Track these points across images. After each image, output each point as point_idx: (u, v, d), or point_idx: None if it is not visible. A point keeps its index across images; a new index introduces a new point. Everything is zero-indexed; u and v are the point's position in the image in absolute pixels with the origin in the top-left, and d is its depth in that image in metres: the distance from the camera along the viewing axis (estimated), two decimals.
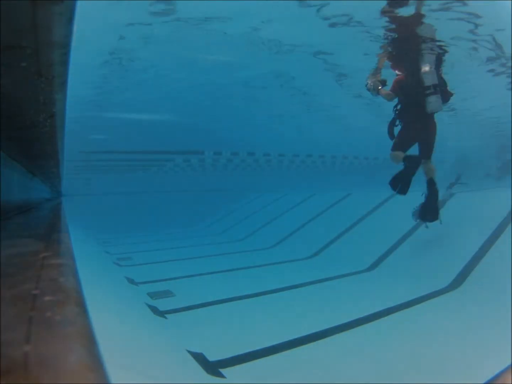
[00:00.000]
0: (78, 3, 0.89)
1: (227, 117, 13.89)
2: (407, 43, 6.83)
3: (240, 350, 4.36)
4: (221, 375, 3.79)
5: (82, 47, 6.48)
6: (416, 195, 8.05)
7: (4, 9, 0.74)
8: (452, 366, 3.78)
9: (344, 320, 5.24)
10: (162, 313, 5.72)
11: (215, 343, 4.56)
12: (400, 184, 5.99)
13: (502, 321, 4.61)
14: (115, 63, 8.32)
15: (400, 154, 6.19)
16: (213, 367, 3.93)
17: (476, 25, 6.36)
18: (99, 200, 20.21)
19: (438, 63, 6.64)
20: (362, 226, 10.76)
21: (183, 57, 8.62)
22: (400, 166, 6.30)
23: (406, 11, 6.07)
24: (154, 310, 5.79)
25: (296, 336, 4.72)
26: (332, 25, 6.68)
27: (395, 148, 6.38)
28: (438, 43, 6.74)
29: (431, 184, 5.80)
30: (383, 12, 6.05)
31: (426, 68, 5.67)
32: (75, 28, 0.96)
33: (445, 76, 6.17)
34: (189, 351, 4.19)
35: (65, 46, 0.98)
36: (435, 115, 6.09)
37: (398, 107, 6.23)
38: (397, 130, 6.49)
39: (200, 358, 4.10)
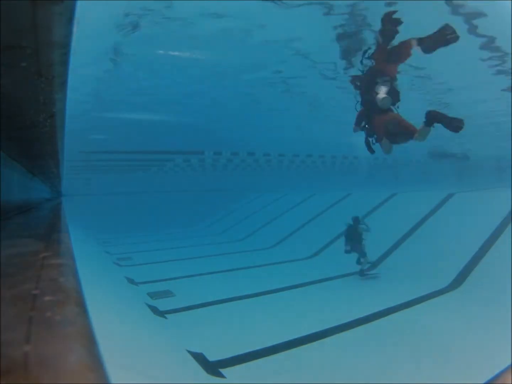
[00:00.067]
0: (78, 3, 0.89)
1: (227, 117, 13.90)
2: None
3: (240, 350, 4.37)
4: (221, 375, 3.79)
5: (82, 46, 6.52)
6: None
7: (4, 9, 0.74)
8: (452, 366, 3.78)
9: (344, 320, 5.25)
10: (162, 313, 5.72)
11: (215, 343, 4.56)
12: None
13: (502, 321, 4.62)
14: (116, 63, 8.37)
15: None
16: (213, 367, 3.94)
17: None
18: (99, 200, 20.23)
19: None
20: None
21: (183, 57, 8.64)
22: None
23: None
24: (154, 310, 5.80)
25: (296, 336, 4.73)
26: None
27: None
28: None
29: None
30: None
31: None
32: (76, 28, 0.96)
33: None
34: (189, 351, 4.19)
35: (65, 46, 0.98)
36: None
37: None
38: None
39: (200, 358, 4.10)
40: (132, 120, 13.68)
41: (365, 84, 6.44)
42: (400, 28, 6.69)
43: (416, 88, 10.58)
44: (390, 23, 6.62)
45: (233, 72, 9.59)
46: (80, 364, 0.47)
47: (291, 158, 22.35)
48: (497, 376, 3.31)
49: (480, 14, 6.55)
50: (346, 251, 8.02)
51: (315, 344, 4.55)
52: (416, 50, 6.93)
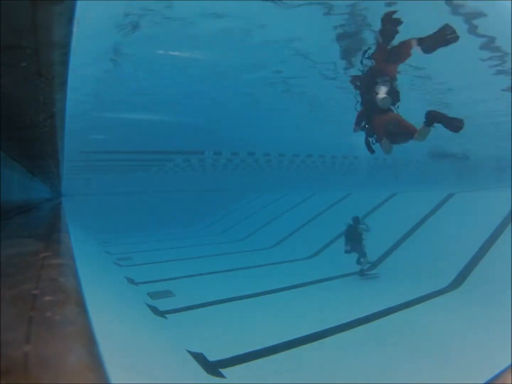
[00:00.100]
0: (78, 3, 0.89)
1: (227, 117, 13.90)
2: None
3: (240, 350, 4.37)
4: (221, 375, 3.79)
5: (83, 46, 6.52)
6: None
7: (4, 9, 0.74)
8: (452, 366, 3.78)
9: (344, 320, 5.25)
10: (162, 313, 5.72)
11: (215, 343, 4.56)
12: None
13: (502, 321, 4.62)
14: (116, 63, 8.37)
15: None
16: (213, 367, 3.94)
17: None
18: (99, 200, 20.23)
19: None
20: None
21: (183, 57, 8.64)
22: None
23: None
24: (154, 310, 5.80)
25: (296, 336, 4.73)
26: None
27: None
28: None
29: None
30: None
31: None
32: (75, 28, 0.96)
33: None
34: (189, 351, 4.19)
35: (65, 46, 0.98)
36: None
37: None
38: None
39: (200, 358, 4.10)
40: (132, 120, 13.67)
41: (365, 84, 6.45)
42: (400, 28, 6.69)
43: (416, 88, 10.59)
44: (390, 23, 6.62)
45: (233, 72, 9.59)
46: (80, 364, 0.47)
47: (291, 158, 22.35)
48: (497, 376, 3.31)
49: (480, 14, 6.55)
50: (346, 251, 8.02)
51: (315, 344, 4.55)
52: (416, 50, 6.93)
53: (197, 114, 13.32)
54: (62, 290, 0.76)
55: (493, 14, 6.54)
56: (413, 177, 23.49)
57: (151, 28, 6.97)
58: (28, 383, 0.43)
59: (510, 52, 7.99)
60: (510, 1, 6.16)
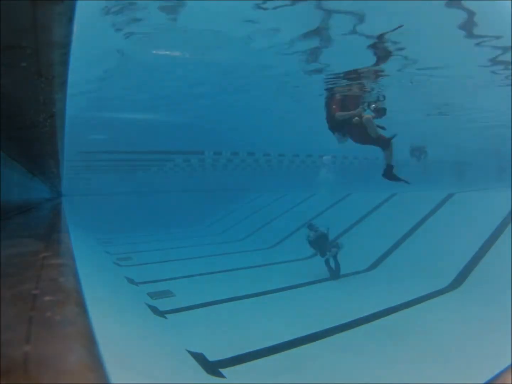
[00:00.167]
0: (78, 3, 0.89)
1: (227, 117, 13.89)
2: None
3: (240, 350, 4.37)
4: (221, 375, 3.79)
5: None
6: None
7: (4, 9, 0.74)
8: (452, 366, 3.78)
9: (344, 320, 5.25)
10: (162, 313, 5.73)
11: (215, 343, 4.56)
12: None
13: (502, 321, 4.62)
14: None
15: None
16: (213, 367, 3.94)
17: None
18: (99, 200, 20.23)
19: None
20: (362, 226, 10.77)
21: (183, 57, 8.64)
22: None
23: None
24: (154, 310, 5.80)
25: (296, 336, 4.73)
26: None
27: None
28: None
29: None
30: None
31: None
32: (76, 28, 0.96)
33: None
34: (189, 351, 4.19)
35: (65, 46, 0.98)
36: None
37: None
38: None
39: (200, 358, 4.10)
40: (132, 120, 13.67)
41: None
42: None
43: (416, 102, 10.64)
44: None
45: (234, 72, 9.59)
46: (80, 364, 0.47)
47: (291, 158, 22.34)
48: (497, 376, 3.31)
49: (480, 14, 6.54)
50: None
51: (315, 344, 4.55)
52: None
53: (197, 114, 13.32)
54: (62, 290, 0.76)
55: (493, 14, 6.53)
56: (413, 177, 23.45)
57: (152, 28, 6.97)
58: (28, 383, 0.43)
59: (510, 51, 7.98)
60: (510, 1, 6.16)
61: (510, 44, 6.91)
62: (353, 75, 7.95)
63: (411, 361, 3.92)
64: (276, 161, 22.57)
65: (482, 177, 18.81)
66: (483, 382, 3.28)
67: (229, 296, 6.64)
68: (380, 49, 6.74)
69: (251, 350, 4.37)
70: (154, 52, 8.26)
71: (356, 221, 11.09)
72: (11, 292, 0.74)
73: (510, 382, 3.22)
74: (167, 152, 18.58)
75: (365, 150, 8.29)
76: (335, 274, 7.82)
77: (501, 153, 19.13)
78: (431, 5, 5.33)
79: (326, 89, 8.97)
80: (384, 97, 8.42)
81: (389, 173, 6.92)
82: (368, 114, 6.90)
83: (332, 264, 7.93)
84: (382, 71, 7.81)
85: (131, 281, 7.65)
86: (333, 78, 8.22)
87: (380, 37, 6.25)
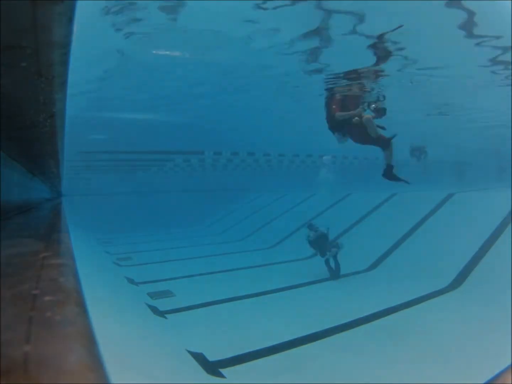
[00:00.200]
0: (78, 3, 0.89)
1: (227, 117, 13.89)
2: None
3: (240, 350, 4.37)
4: (221, 375, 3.79)
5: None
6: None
7: (4, 9, 0.74)
8: (452, 366, 3.78)
9: (344, 320, 5.25)
10: (162, 313, 5.73)
11: (215, 343, 4.56)
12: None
13: (502, 321, 4.62)
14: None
15: None
16: (213, 367, 3.94)
17: None
18: (99, 200, 20.23)
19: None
20: (362, 226, 10.77)
21: (183, 57, 8.63)
22: None
23: None
24: (154, 310, 5.80)
25: (296, 336, 4.73)
26: None
27: None
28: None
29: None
30: None
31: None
32: (76, 28, 0.96)
33: None
34: (189, 351, 4.19)
35: (65, 46, 0.98)
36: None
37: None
38: None
39: (200, 358, 4.10)
40: (132, 120, 13.66)
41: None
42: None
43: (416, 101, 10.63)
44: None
45: (234, 72, 9.59)
46: (80, 364, 0.47)
47: (291, 158, 22.34)
48: (497, 376, 3.31)
49: (480, 14, 6.54)
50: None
51: (315, 344, 4.55)
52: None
53: (197, 114, 13.32)
54: (62, 290, 0.76)
55: (493, 14, 6.53)
56: (413, 177, 23.46)
57: (152, 28, 6.96)
58: (28, 383, 0.43)
59: (510, 52, 7.99)
60: (510, 1, 6.16)
61: (510, 44, 6.91)
62: (353, 75, 7.94)
63: (411, 361, 3.92)
64: (276, 161, 22.57)
65: (482, 177, 18.80)
66: (483, 382, 3.28)
67: (229, 296, 6.64)
68: (380, 49, 6.72)
69: (251, 350, 4.37)
70: (154, 52, 8.25)
71: (356, 221, 11.09)
72: (11, 292, 0.74)
73: (510, 382, 3.22)
74: (167, 152, 18.57)
75: (365, 150, 8.30)
76: (335, 274, 7.82)
77: (501, 153, 19.13)
78: (431, 5, 5.31)
79: (326, 89, 8.96)
80: (384, 97, 8.43)
81: (389, 173, 6.92)
82: (368, 114, 6.91)
83: (332, 264, 7.92)
84: (382, 71, 7.80)
85: (131, 281, 7.65)
86: (333, 78, 8.21)
87: (380, 37, 6.23)
